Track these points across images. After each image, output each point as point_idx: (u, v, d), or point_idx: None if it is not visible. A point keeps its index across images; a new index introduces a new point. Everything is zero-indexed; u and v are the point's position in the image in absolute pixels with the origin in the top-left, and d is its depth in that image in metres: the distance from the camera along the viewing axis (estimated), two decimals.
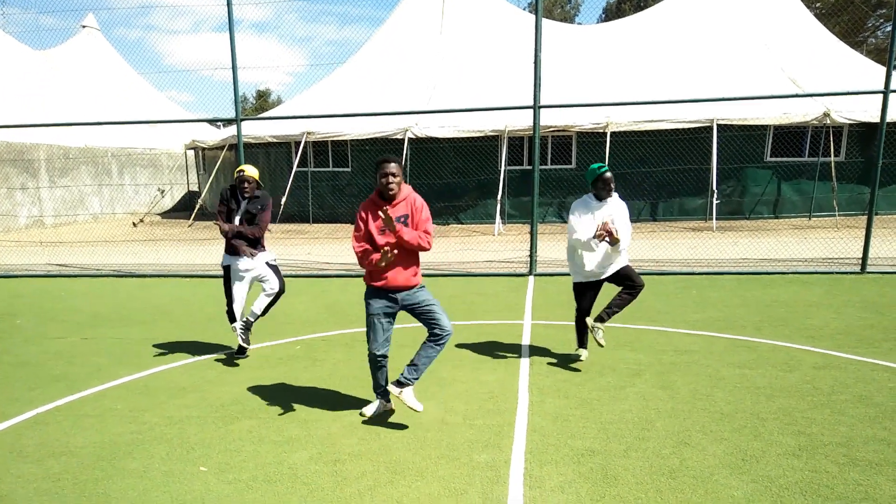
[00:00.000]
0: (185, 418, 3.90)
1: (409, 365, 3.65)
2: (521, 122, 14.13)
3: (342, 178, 16.12)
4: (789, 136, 14.17)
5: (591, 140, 14.54)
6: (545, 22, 17.11)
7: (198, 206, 17.92)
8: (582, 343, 4.84)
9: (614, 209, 4.51)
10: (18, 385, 4.61)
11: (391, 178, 3.46)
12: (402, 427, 3.70)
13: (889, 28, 25.55)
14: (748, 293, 7.07)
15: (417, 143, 14.68)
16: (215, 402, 4.17)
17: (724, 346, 5.11)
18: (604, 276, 4.56)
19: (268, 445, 3.49)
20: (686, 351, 5.02)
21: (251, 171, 4.91)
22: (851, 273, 8.05)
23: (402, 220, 3.52)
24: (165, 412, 4.02)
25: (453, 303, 7.01)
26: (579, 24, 31.27)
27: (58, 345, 5.68)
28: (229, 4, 8.13)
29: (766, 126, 14.02)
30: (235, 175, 4.92)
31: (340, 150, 16.01)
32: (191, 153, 22.46)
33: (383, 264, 3.43)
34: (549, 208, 15.19)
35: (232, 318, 5.10)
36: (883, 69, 15.00)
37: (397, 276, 3.54)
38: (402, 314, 3.71)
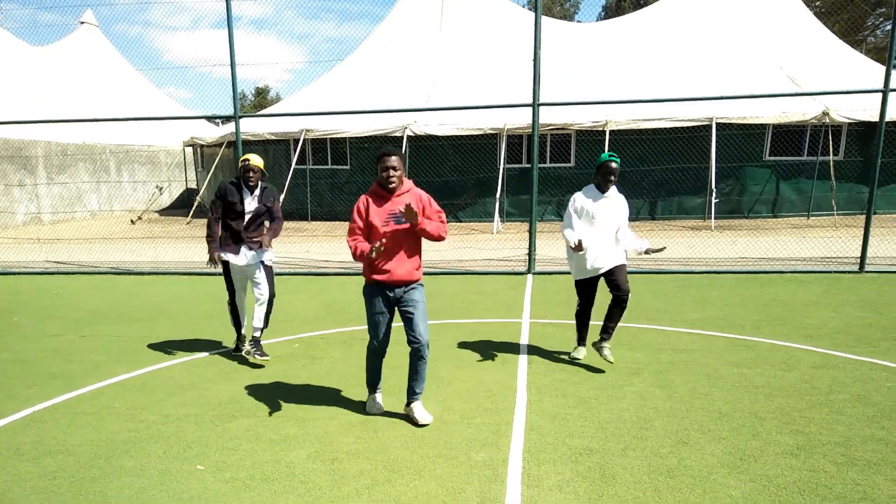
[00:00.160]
0: (182, 416, 3.89)
1: (408, 388, 3.76)
2: (520, 119, 14.11)
3: (341, 176, 16.10)
4: (788, 135, 14.17)
5: (590, 138, 14.52)
6: (544, 19, 17.07)
7: (196, 204, 17.89)
8: (581, 341, 4.83)
9: (615, 204, 4.49)
10: (15, 382, 4.60)
11: (392, 172, 3.46)
12: (399, 426, 3.69)
13: (888, 27, 25.52)
14: (747, 292, 7.07)
15: (416, 140, 14.66)
16: (213, 400, 4.16)
17: (723, 346, 5.11)
18: (602, 272, 4.53)
19: (265, 444, 3.49)
20: (684, 350, 5.02)
21: (256, 160, 4.79)
22: (850, 272, 8.06)
23: None
24: (163, 410, 4.01)
25: (452, 301, 7.01)
26: (578, 21, 31.25)
27: (55, 342, 5.66)
28: (228, 1, 8.10)
29: (765, 125, 14.01)
30: (240, 164, 4.78)
31: (339, 147, 15.98)
32: (189, 150, 22.41)
33: (374, 256, 3.40)
34: (548, 206, 15.18)
35: (234, 314, 5.07)
36: (882, 68, 14.98)
37: (398, 269, 3.53)
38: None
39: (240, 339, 5.22)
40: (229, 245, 4.84)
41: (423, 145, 14.66)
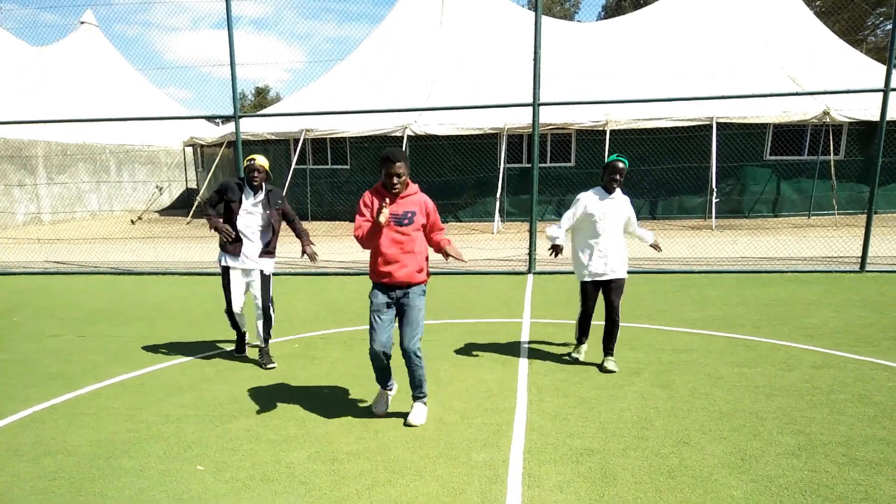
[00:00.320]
0: (182, 417, 3.89)
1: (413, 395, 3.79)
2: (520, 119, 14.11)
3: (341, 176, 16.09)
4: (789, 135, 14.16)
5: (590, 138, 14.51)
6: (545, 19, 17.06)
7: (196, 204, 17.88)
8: (581, 341, 4.83)
9: (620, 205, 4.50)
10: (15, 383, 4.59)
11: (396, 179, 3.42)
12: (400, 426, 3.68)
13: (889, 26, 25.55)
14: (747, 292, 7.06)
15: (416, 140, 14.65)
16: (212, 401, 4.15)
17: (723, 345, 5.10)
18: (606, 278, 4.52)
19: (265, 444, 3.48)
20: (685, 350, 5.01)
21: (261, 160, 4.72)
22: (850, 272, 8.05)
23: (411, 215, 3.50)
24: (162, 410, 4.00)
25: (452, 301, 7.00)
26: (579, 21, 31.24)
27: (55, 342, 5.66)
28: (228, 1, 8.09)
29: (766, 124, 14.00)
30: (245, 164, 4.72)
31: (339, 147, 15.98)
32: (189, 150, 22.41)
33: (382, 220, 3.31)
34: (549, 206, 15.17)
35: (232, 320, 4.97)
36: (883, 67, 14.98)
37: (398, 271, 3.49)
38: None
39: (240, 340, 5.17)
40: (228, 248, 4.75)
41: (424, 145, 14.65)
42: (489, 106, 9.13)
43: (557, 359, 4.89)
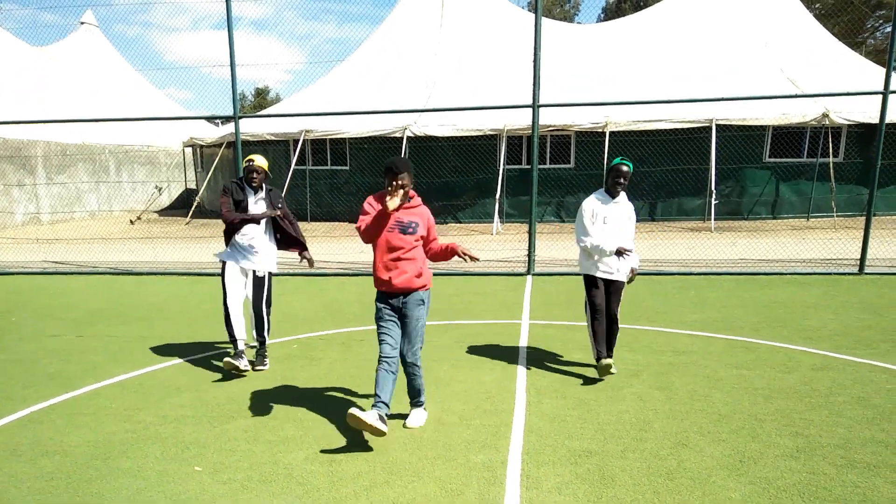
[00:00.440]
0: (180, 417, 3.88)
1: (410, 402, 3.78)
2: (519, 121, 14.11)
3: (340, 177, 16.09)
4: (788, 137, 14.17)
5: (589, 139, 14.52)
6: (544, 21, 17.08)
7: (195, 204, 17.87)
8: (601, 355, 4.41)
9: (624, 210, 4.43)
10: (13, 383, 4.58)
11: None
12: (398, 427, 3.68)
13: (888, 29, 25.56)
14: (746, 294, 7.07)
15: (416, 141, 14.65)
16: (211, 402, 4.14)
17: (722, 347, 5.10)
18: (610, 277, 4.45)
19: (263, 445, 3.47)
20: (684, 352, 5.01)
21: (260, 161, 4.71)
22: (850, 274, 8.05)
23: (415, 225, 3.50)
24: (160, 411, 3.99)
25: (451, 302, 7.00)
26: (579, 23, 31.27)
27: (53, 343, 5.65)
28: (228, 2, 8.10)
29: (765, 126, 14.02)
30: (244, 165, 4.72)
31: (339, 148, 15.98)
32: (189, 150, 22.41)
33: (392, 206, 3.22)
34: (548, 208, 15.18)
35: (228, 323, 4.72)
36: (882, 70, 15.01)
37: (397, 278, 3.48)
38: None
39: (235, 346, 4.69)
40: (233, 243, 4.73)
41: (423, 146, 14.65)
42: (489, 107, 9.14)
43: (556, 360, 4.88)
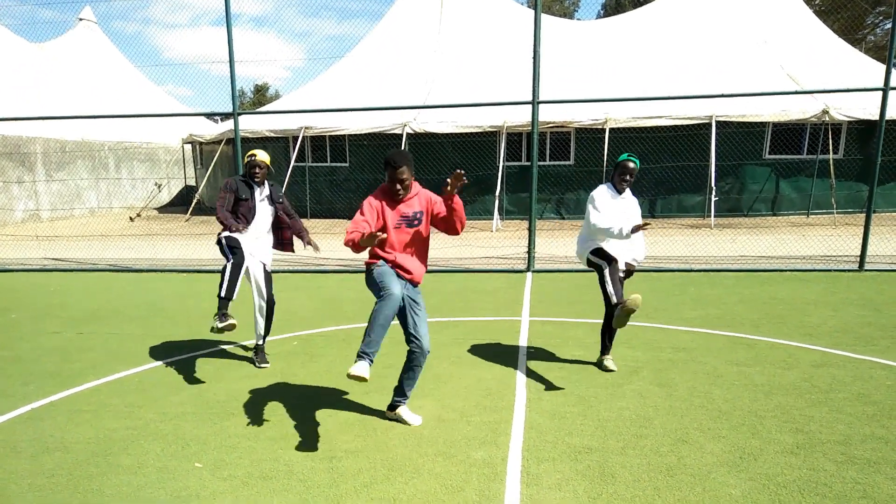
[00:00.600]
0: (180, 414, 3.88)
1: (396, 388, 3.66)
2: (519, 117, 14.09)
3: (340, 173, 16.08)
4: (788, 134, 14.16)
5: (589, 136, 14.51)
6: (544, 17, 17.03)
7: (195, 201, 17.85)
8: (622, 295, 4.20)
9: (630, 206, 4.44)
10: (13, 380, 4.58)
11: (399, 186, 3.39)
12: (398, 424, 3.68)
13: (888, 25, 25.51)
14: (746, 290, 7.07)
15: (415, 138, 14.64)
16: (211, 399, 4.14)
17: (723, 344, 5.10)
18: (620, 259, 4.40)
19: (263, 442, 3.47)
20: (684, 348, 5.01)
21: (263, 155, 4.68)
22: (850, 271, 8.05)
23: (420, 215, 3.48)
24: (161, 408, 3.99)
25: (451, 299, 7.00)
26: (578, 19, 31.21)
27: (53, 340, 5.65)
28: None
29: (765, 123, 14.00)
30: (246, 160, 4.68)
31: (338, 144, 15.96)
32: (188, 147, 22.37)
33: (373, 242, 3.17)
34: (548, 204, 15.17)
35: (232, 281, 4.40)
36: (882, 66, 14.98)
37: (413, 269, 3.49)
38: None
39: (225, 307, 4.36)
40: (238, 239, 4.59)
41: (423, 143, 14.63)
42: (488, 104, 9.12)
43: (556, 357, 4.88)
